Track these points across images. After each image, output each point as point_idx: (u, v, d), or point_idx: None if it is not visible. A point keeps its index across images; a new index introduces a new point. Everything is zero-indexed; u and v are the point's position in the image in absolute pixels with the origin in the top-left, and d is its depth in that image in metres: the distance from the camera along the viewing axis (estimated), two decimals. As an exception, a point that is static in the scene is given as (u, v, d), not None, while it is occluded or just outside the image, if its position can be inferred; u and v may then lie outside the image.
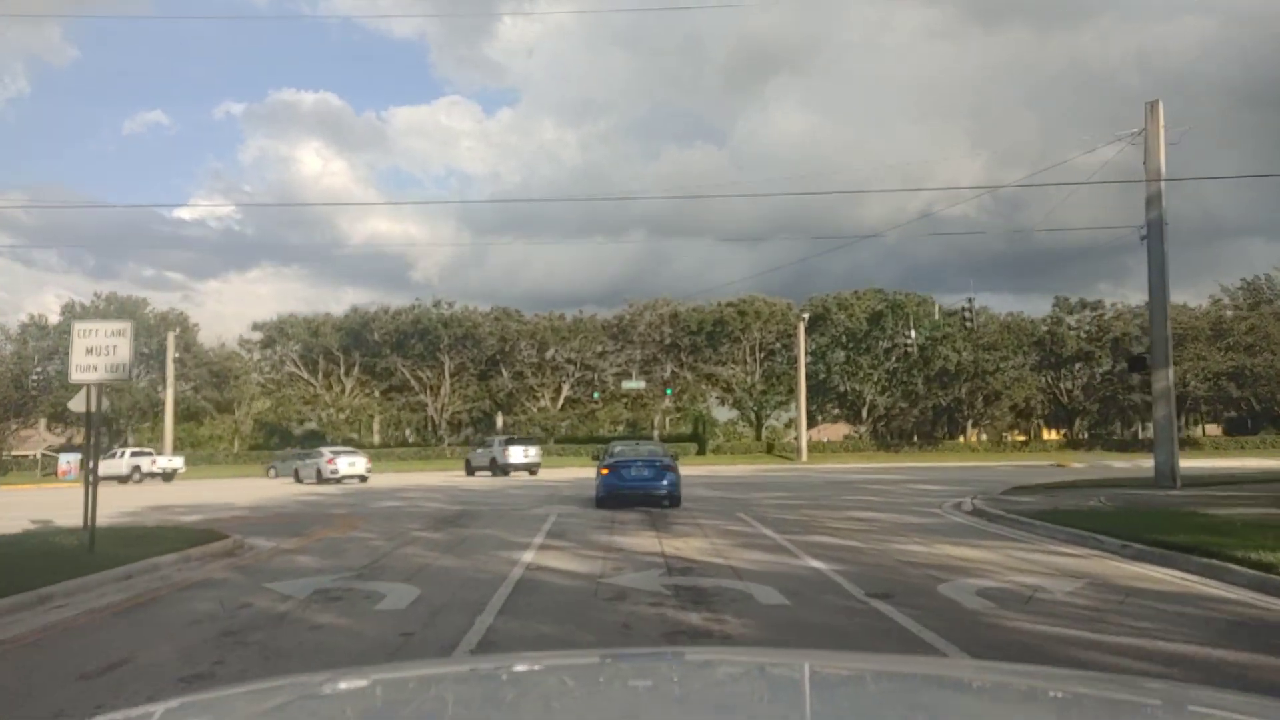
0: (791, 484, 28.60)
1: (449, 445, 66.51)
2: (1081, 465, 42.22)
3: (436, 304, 64.73)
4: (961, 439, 69.03)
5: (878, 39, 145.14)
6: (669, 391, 60.95)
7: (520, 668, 2.45)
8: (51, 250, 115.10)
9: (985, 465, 45.22)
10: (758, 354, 64.83)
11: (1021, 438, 68.47)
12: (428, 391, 66.02)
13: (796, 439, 64.11)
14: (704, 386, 64.72)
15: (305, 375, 66.80)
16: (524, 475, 40.18)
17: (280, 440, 71.76)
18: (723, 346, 64.72)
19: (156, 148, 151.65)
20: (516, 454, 40.49)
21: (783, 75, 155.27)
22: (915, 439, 69.35)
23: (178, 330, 62.72)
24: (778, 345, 66.53)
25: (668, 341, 67.17)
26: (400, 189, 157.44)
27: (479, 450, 45.07)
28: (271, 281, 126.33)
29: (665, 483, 18.13)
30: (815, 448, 61.08)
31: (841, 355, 62.02)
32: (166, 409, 58.77)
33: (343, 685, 2.08)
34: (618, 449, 19.99)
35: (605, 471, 18.51)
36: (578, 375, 67.11)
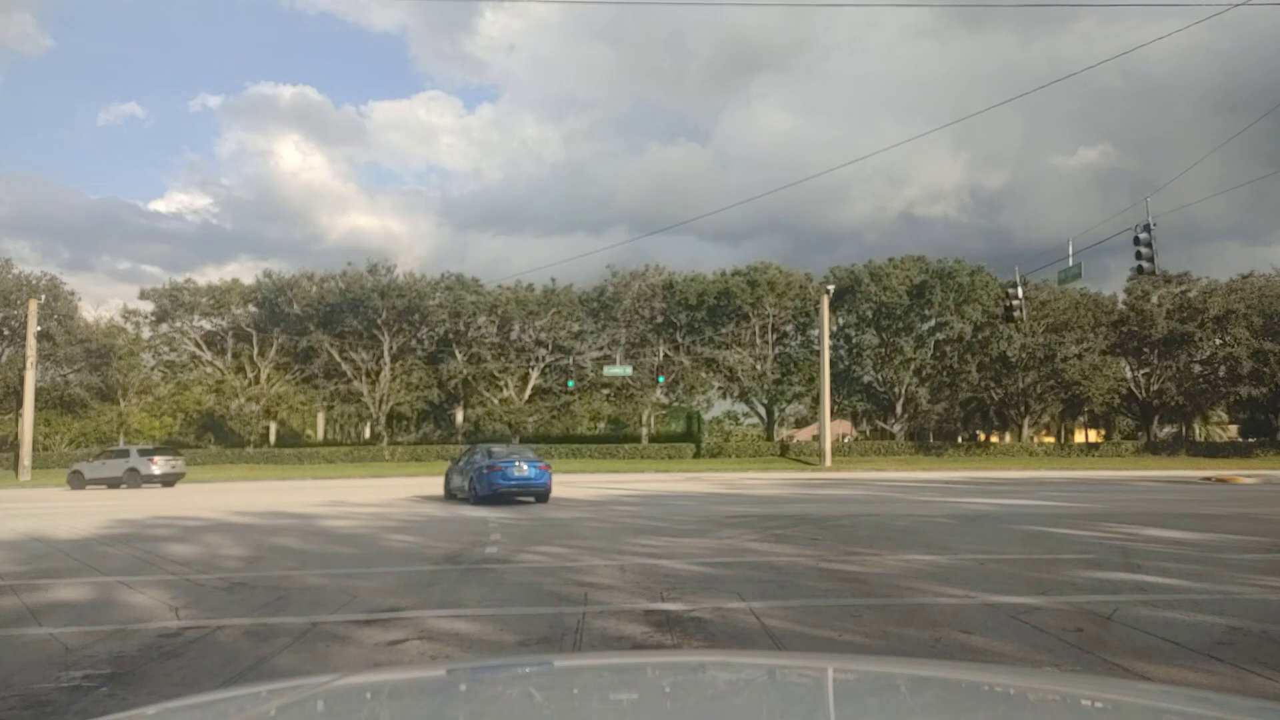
0: (858, 508, 18.09)
1: (387, 445, 55.60)
2: (1250, 480, 31.62)
3: (372, 269, 53.74)
4: (1011, 439, 59.08)
5: (863, 38, 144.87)
6: (661, 380, 50.53)
7: (525, 671, 2.46)
8: (24, 240, 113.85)
9: (1089, 478, 35.05)
10: (770, 335, 54.44)
11: (1093, 438, 58.55)
12: (363, 378, 55.06)
13: (819, 439, 53.88)
14: (704, 374, 54.24)
15: (207, 356, 55.56)
16: (175, 494, 28.90)
17: (215, 437, 60.67)
18: (727, 325, 54.25)
19: (132, 139, 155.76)
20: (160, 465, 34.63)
21: (767, 73, 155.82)
22: (960, 440, 59.35)
23: (43, 298, 51.40)
24: (793, 325, 56.23)
25: (660, 319, 56.66)
26: (380, 183, 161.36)
27: (102, 461, 35.79)
28: (251, 276, 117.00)
29: (542, 481, 20.55)
30: (838, 450, 50.85)
31: (873, 337, 51.68)
32: (26, 395, 47.66)
33: (342, 690, 2.07)
34: (497, 449, 22.21)
35: (494, 470, 20.01)
36: (549, 359, 56.44)
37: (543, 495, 20.48)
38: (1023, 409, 54.29)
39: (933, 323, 51.74)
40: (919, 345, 52.26)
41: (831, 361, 49.39)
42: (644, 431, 57.16)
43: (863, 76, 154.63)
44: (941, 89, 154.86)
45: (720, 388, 54.86)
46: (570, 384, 52.21)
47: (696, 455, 55.85)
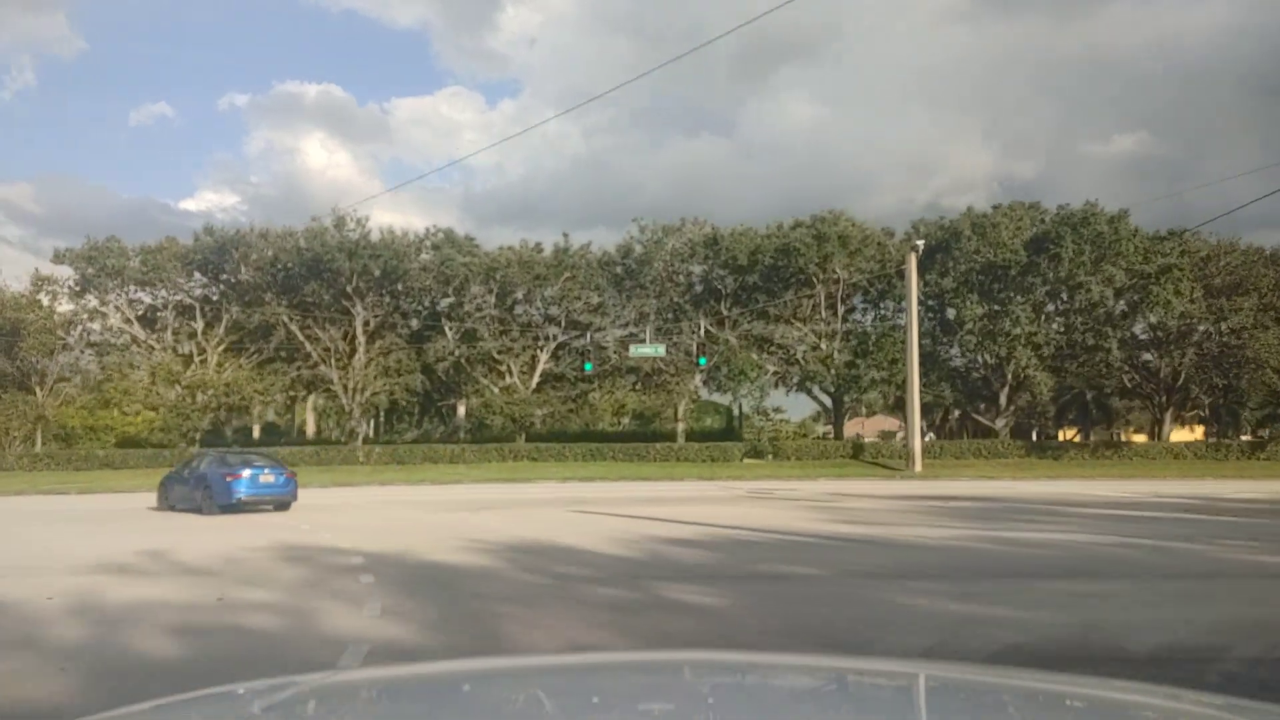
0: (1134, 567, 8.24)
1: (362, 445, 45.96)
2: None
3: (338, 222, 43.93)
4: (1143, 437, 48.64)
5: (892, 24, 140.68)
6: (702, 361, 40.49)
7: (524, 669, 2.50)
8: (59, 240, 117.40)
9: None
10: (839, 305, 44.19)
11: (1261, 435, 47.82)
12: (331, 360, 45.41)
13: (904, 439, 43.66)
14: (755, 355, 44.08)
15: (139, 333, 46.09)
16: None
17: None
18: (785, 293, 44.07)
19: (163, 139, 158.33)
20: None
21: (793, 62, 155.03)
22: (1083, 437, 48.96)
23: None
24: (866, 293, 45.95)
25: (700, 287, 46.60)
26: (403, 179, 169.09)
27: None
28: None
29: (288, 490, 20.22)
30: (926, 450, 40.54)
31: (976, 306, 41.24)
32: None
33: (341, 686, 2.12)
34: (233, 456, 21.29)
35: (234, 478, 19.38)
36: (562, 338, 46.57)
37: (285, 505, 20.18)
38: (1164, 399, 43.75)
39: (1058, 286, 41.20)
40: (1038, 315, 41.74)
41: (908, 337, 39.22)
42: (679, 427, 47.16)
43: (891, 64, 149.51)
44: (973, 76, 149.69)
45: (776, 372, 44.69)
46: (588, 368, 42.26)
47: (749, 456, 45.88)
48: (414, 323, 47.86)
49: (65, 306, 45.49)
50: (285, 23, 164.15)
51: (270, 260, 44.01)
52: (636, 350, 42.09)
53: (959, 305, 41.91)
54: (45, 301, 44.97)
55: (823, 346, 44.17)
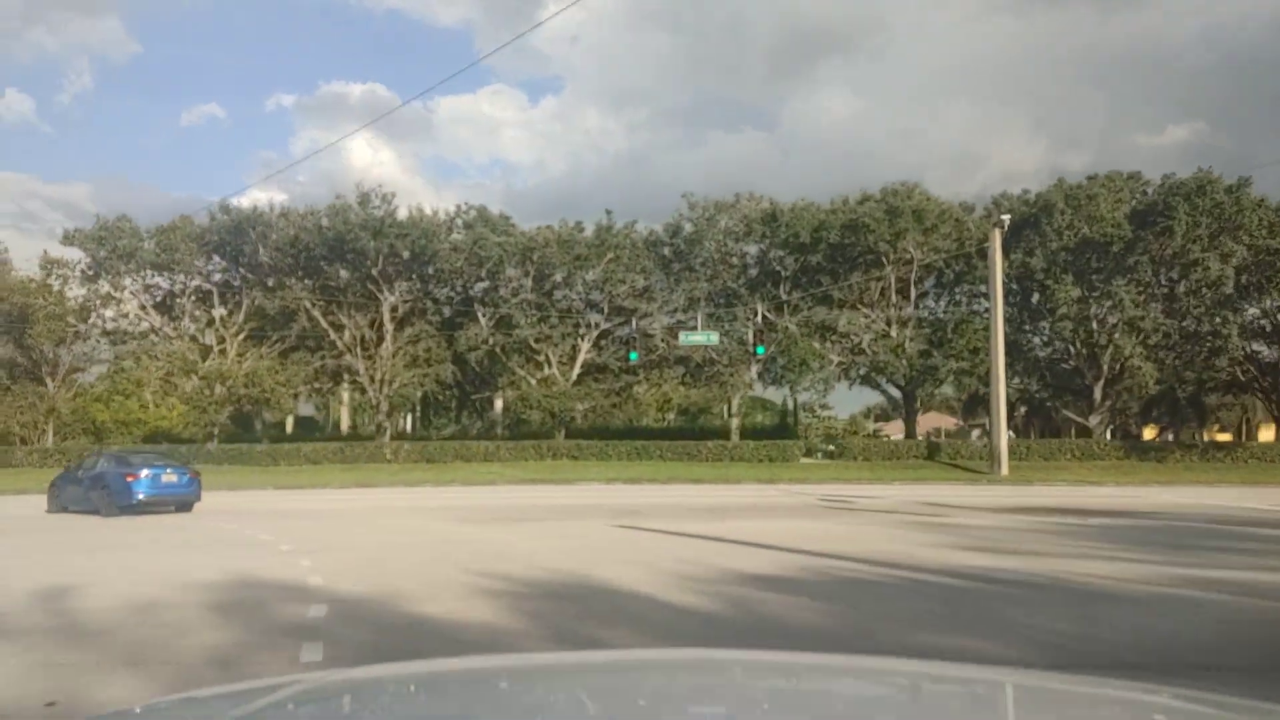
0: None
1: (389, 442, 43.01)
2: None
3: (363, 199, 40.86)
4: (1227, 436, 43.95)
5: (936, 16, 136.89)
6: (760, 350, 36.77)
7: (523, 667, 2.52)
8: None
9: None
10: (911, 289, 40.17)
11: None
12: (356, 349, 42.49)
13: (986, 439, 39.62)
14: (818, 344, 40.24)
15: (154, 320, 43.59)
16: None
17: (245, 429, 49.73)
18: (852, 275, 40.15)
19: (212, 139, 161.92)
20: None
21: (834, 56, 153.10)
22: (1171, 436, 44.43)
23: (-64, 242, 39.96)
24: (937, 277, 41.86)
25: (755, 269, 42.86)
26: (444, 177, 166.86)
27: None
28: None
29: (191, 490, 20.05)
30: (1011, 450, 36.39)
31: (1070, 288, 36.94)
32: None
33: (340, 684, 2.10)
34: (135, 456, 21.00)
35: (134, 478, 19.17)
36: (604, 325, 43.16)
37: (187, 505, 19.98)
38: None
39: (1161, 265, 36.77)
40: (1143, 297, 37.30)
41: (988, 323, 35.12)
42: (733, 424, 43.46)
43: (935, 57, 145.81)
44: (1019, 68, 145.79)
45: (841, 363, 40.77)
46: (633, 357, 38.71)
47: (803, 455, 42.23)
48: (445, 309, 44.76)
49: (76, 291, 43.09)
50: (331, 23, 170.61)
51: (290, 241, 41.09)
52: (687, 338, 38.55)
53: (1051, 287, 37.58)
54: (55, 286, 42.55)
55: (892, 334, 40.17)
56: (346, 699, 1.92)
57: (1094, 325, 37.68)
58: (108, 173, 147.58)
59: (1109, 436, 46.94)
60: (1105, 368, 39.10)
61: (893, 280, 39.92)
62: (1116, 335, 36.93)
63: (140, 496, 19.00)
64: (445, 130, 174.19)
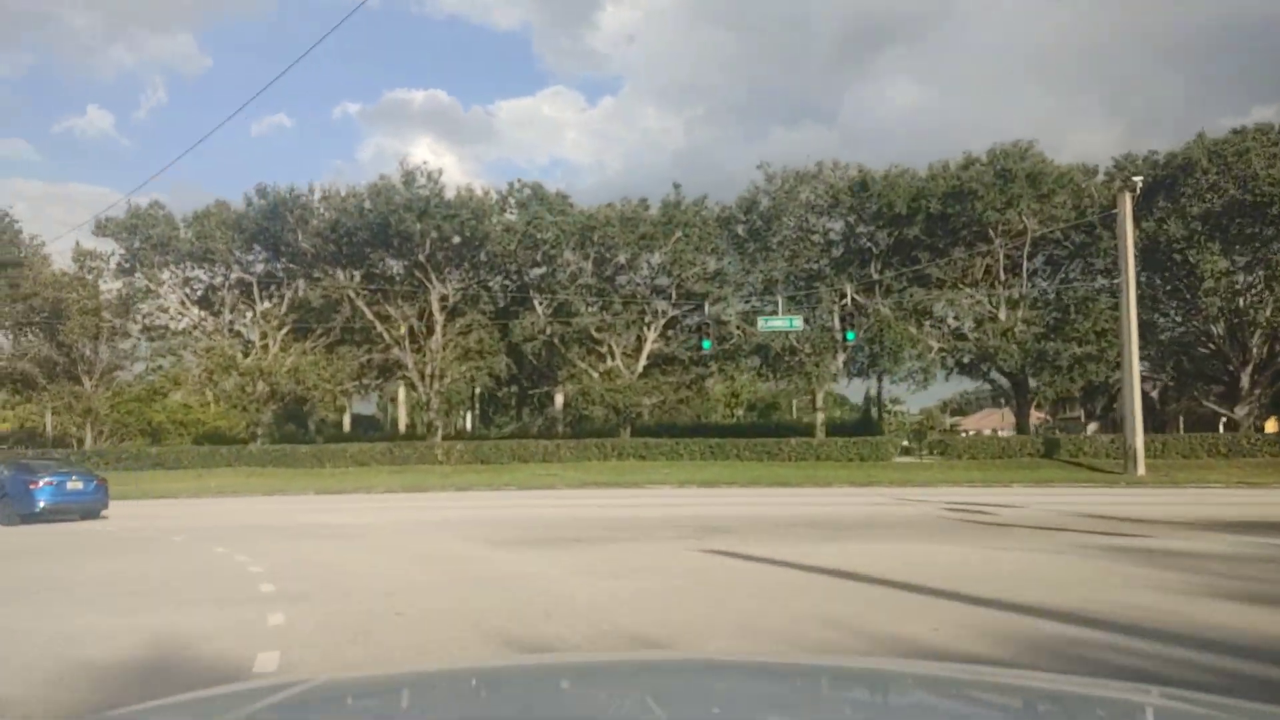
0: None
1: (441, 442, 40.02)
2: None
3: (407, 178, 37.76)
4: None
5: (1001, 1, 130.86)
6: (850, 336, 32.70)
7: (523, 670, 2.51)
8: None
9: None
10: (1024, 265, 35.61)
11: None
12: (405, 342, 39.54)
13: (1116, 437, 35.01)
14: (914, 329, 35.96)
15: (194, 315, 41.25)
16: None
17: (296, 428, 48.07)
18: (954, 250, 35.75)
19: (282, 149, 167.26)
20: None
21: (897, 46, 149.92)
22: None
23: (-34, 234, 38.20)
24: (1053, 253, 37.16)
25: (841, 247, 38.73)
26: (506, 180, 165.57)
27: None
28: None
29: (98, 498, 19.85)
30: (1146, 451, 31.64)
31: (1218, 258, 32.00)
32: None
33: (341, 686, 2.11)
34: (37, 463, 21.54)
35: (36, 485, 18.90)
36: (672, 312, 39.47)
37: (93, 513, 19.66)
38: None
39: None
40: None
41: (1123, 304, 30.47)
42: (817, 419, 39.37)
43: (1003, 42, 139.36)
44: (1091, 51, 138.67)
45: (942, 349, 36.39)
46: (706, 346, 34.84)
47: (897, 453, 38.10)
48: (499, 298, 41.55)
49: (112, 284, 40.95)
50: (393, 31, 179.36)
51: (331, 226, 38.24)
52: (767, 323, 34.66)
53: (1192, 259, 32.67)
54: (89, 279, 40.47)
55: (1001, 317, 35.66)
56: (348, 701, 1.93)
57: (1241, 302, 32.69)
58: (182, 184, 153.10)
59: (1220, 429, 41.67)
60: (1253, 351, 34.03)
61: (1001, 255, 35.38)
62: (1269, 311, 31.89)
63: (42, 505, 18.64)
64: (506, 133, 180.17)
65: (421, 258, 38.16)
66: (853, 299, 35.81)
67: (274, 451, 39.61)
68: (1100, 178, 36.36)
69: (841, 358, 37.85)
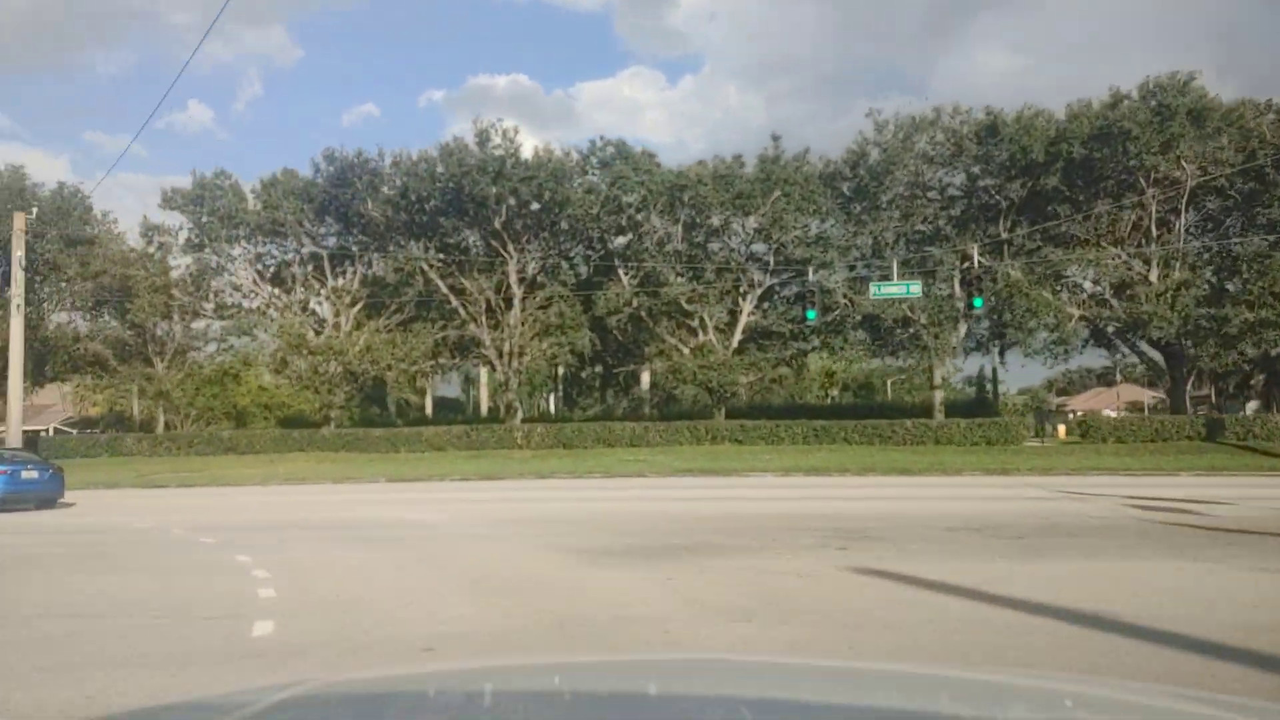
0: None
1: (520, 425, 37.52)
2: None
3: (481, 137, 35.05)
4: None
5: None
6: (978, 303, 28.74)
7: (524, 670, 2.50)
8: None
9: None
10: (1182, 217, 30.99)
11: None
12: (481, 319, 37.07)
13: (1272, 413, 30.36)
14: (1049, 293, 31.71)
15: (267, 291, 39.59)
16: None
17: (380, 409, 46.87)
18: (1098, 202, 31.32)
19: (371, 136, 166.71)
20: None
21: (989, 12, 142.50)
22: None
23: (34, 211, 37.03)
24: (1212, 204, 32.35)
25: (964, 203, 34.62)
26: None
27: None
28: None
29: (54, 487, 19.62)
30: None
31: None
32: (11, 352, 34.26)
33: (343, 687, 2.10)
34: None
35: None
36: (769, 282, 35.99)
37: (49, 502, 19.56)
38: None
39: None
40: None
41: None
42: (936, 398, 35.45)
43: (1102, 4, 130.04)
44: (1201, 7, 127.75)
45: (1083, 317, 32.05)
46: (810, 316, 31.22)
47: (1033, 438, 34.02)
48: (581, 269, 38.70)
49: (181, 260, 39.51)
50: (476, 17, 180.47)
51: (401, 193, 35.86)
52: (880, 290, 30.87)
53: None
54: (157, 255, 39.09)
55: (1153, 279, 31.12)
56: (349, 702, 1.92)
57: None
58: (276, 173, 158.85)
59: None
60: None
61: (1153, 207, 30.81)
62: None
63: (11, 491, 18.50)
64: (586, 116, 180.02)
65: (497, 225, 35.52)
66: (978, 260, 31.75)
67: (347, 436, 37.71)
68: (1271, 116, 31.40)
69: (964, 329, 33.80)
